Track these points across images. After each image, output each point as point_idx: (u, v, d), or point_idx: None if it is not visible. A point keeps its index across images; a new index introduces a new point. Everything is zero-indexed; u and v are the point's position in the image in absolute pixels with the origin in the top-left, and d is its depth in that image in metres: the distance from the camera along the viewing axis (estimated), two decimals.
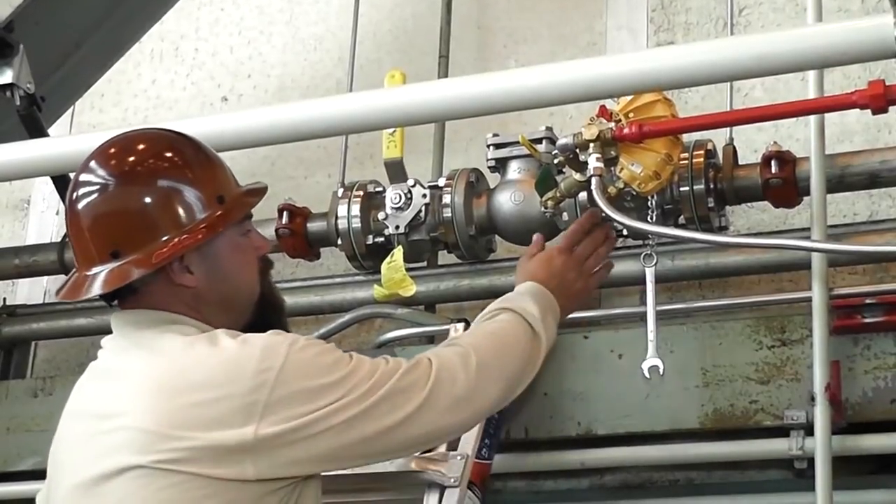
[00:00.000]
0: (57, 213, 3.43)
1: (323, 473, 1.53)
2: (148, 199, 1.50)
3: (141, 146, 1.56)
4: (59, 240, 3.11)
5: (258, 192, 1.62)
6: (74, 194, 1.53)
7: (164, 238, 1.49)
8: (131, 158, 1.54)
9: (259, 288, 1.59)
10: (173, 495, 1.38)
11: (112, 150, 1.55)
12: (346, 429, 1.44)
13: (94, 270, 1.50)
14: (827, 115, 2.27)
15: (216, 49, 3.47)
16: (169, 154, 1.55)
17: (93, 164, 1.54)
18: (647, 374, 2.05)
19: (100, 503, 1.42)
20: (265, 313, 1.60)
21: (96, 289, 1.49)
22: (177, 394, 1.41)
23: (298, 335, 1.50)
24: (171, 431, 1.39)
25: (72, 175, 2.89)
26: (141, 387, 1.44)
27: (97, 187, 1.51)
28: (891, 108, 1.96)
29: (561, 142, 2.11)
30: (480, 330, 1.70)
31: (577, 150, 2.08)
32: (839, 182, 2.36)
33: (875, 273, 2.51)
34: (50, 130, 2.96)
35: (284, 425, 1.41)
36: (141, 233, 1.49)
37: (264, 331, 1.51)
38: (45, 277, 3.29)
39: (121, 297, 1.54)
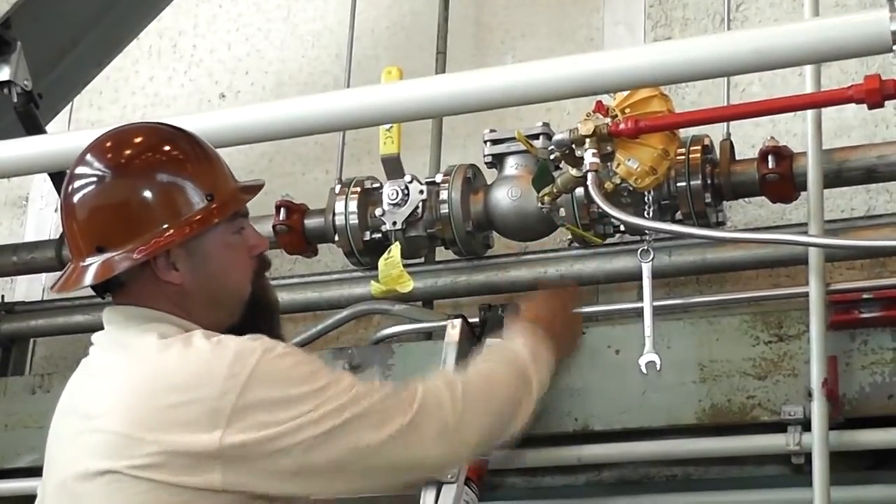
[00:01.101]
0: (55, 210, 3.42)
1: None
2: (138, 193, 1.48)
3: (136, 140, 1.54)
4: (57, 237, 3.10)
5: (252, 189, 1.59)
6: (70, 187, 1.52)
7: (152, 232, 1.47)
8: (126, 152, 1.52)
9: (249, 288, 1.56)
10: (146, 502, 1.36)
11: (107, 144, 1.54)
12: (317, 445, 1.38)
13: (84, 263, 1.50)
14: (824, 111, 2.27)
15: (214, 46, 3.47)
16: (164, 148, 1.53)
17: (88, 157, 1.53)
18: (644, 370, 2.05)
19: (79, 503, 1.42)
20: (257, 314, 1.56)
21: (84, 281, 1.49)
22: (149, 396, 1.39)
23: (279, 342, 1.45)
24: (143, 435, 1.37)
25: None
26: (117, 388, 1.42)
27: (90, 180, 1.51)
28: (889, 104, 1.97)
29: (557, 137, 2.12)
30: (471, 367, 1.64)
31: (574, 146, 2.09)
32: (836, 177, 2.35)
33: (872, 268, 2.51)
34: (48, 128, 2.96)
35: (251, 434, 1.36)
36: (129, 226, 1.47)
37: (252, 332, 1.48)
38: (44, 274, 3.29)
39: (112, 291, 1.54)
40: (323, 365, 1.46)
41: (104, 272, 1.48)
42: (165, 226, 1.47)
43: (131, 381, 1.42)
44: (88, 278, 1.49)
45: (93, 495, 1.39)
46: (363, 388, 1.44)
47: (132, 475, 1.37)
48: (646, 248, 2.09)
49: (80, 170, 1.53)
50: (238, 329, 1.52)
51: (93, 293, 1.57)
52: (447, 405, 1.49)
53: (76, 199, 1.51)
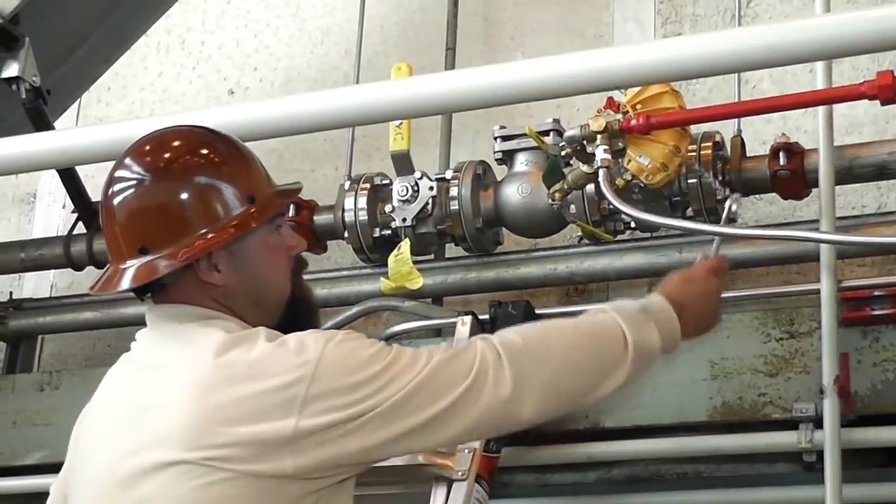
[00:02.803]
0: (63, 207, 3.42)
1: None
2: (179, 196, 1.50)
3: (175, 143, 1.56)
4: (65, 233, 3.10)
5: (290, 193, 1.61)
6: (109, 190, 1.54)
7: (193, 235, 1.48)
8: (166, 155, 1.53)
9: (289, 287, 1.57)
10: (212, 493, 1.38)
11: (147, 147, 1.56)
12: (384, 423, 1.42)
13: (125, 265, 1.51)
14: (835, 107, 2.26)
15: (222, 42, 3.47)
16: (203, 151, 1.54)
17: (128, 160, 1.55)
18: None
19: (136, 496, 1.42)
20: (297, 313, 1.58)
21: (125, 283, 1.50)
22: (219, 388, 1.41)
23: (338, 331, 1.49)
24: (213, 427, 1.39)
25: (77, 168, 2.94)
26: (183, 381, 1.43)
27: (130, 183, 1.52)
28: None
29: (568, 133, 2.11)
30: (548, 323, 1.60)
31: (585, 142, 2.08)
32: (847, 173, 2.34)
33: (884, 265, 2.50)
34: (56, 124, 2.96)
35: (324, 417, 1.40)
36: (170, 229, 1.49)
37: (295, 331, 1.50)
38: (52, 271, 3.29)
39: (153, 292, 1.55)
40: (381, 345, 1.48)
41: (148, 274, 1.49)
42: (207, 228, 1.49)
43: (199, 373, 1.43)
44: (132, 280, 1.50)
45: (153, 487, 1.40)
46: (423, 362, 1.46)
47: (201, 464, 1.38)
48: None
49: (120, 173, 1.54)
50: (281, 328, 1.53)
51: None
52: (506, 364, 1.47)
53: (116, 201, 1.52)
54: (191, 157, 1.53)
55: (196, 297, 1.51)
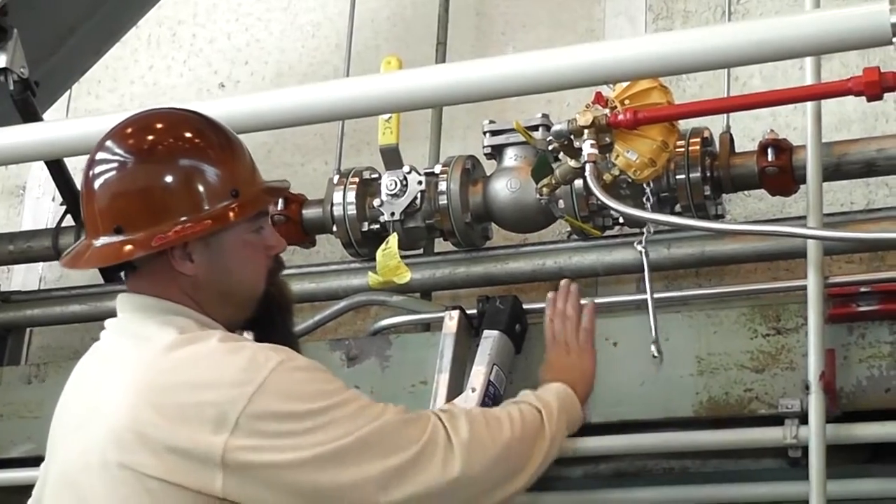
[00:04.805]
0: (52, 200, 3.41)
1: None
2: (160, 179, 1.47)
3: (160, 125, 1.52)
4: (54, 226, 3.09)
5: (276, 191, 1.59)
6: (91, 172, 1.51)
7: (171, 221, 1.45)
8: (150, 137, 1.50)
9: (263, 286, 1.54)
10: (146, 500, 1.35)
11: (130, 129, 1.52)
12: (321, 465, 1.35)
13: (98, 242, 1.48)
14: (825, 105, 2.26)
15: (214, 35, 3.46)
16: (189, 135, 1.51)
17: (110, 142, 1.52)
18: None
19: (78, 495, 1.40)
20: (272, 311, 1.55)
21: (91, 261, 1.48)
22: (160, 392, 1.38)
23: (300, 356, 1.43)
24: (150, 430, 1.36)
25: (66, 160, 2.93)
26: (128, 381, 1.41)
27: (113, 164, 1.49)
28: (889, 98, 1.96)
29: (556, 128, 2.11)
30: (486, 410, 1.63)
31: (572, 137, 2.08)
32: (836, 170, 2.35)
33: (871, 262, 2.50)
34: (45, 116, 2.95)
35: (255, 441, 1.33)
36: (149, 213, 1.46)
37: (266, 328, 1.49)
38: (41, 264, 3.28)
39: (125, 272, 1.53)
40: (340, 386, 1.42)
41: (118, 255, 1.46)
42: (186, 217, 1.46)
43: (144, 375, 1.40)
44: (97, 259, 1.47)
45: (96, 487, 1.38)
46: (375, 413, 1.41)
47: (136, 470, 1.35)
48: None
49: (101, 154, 1.51)
50: (251, 325, 1.52)
51: (89, 282, 1.56)
52: (456, 440, 1.45)
53: (98, 183, 1.49)
54: (175, 141, 1.50)
55: (165, 286, 1.49)
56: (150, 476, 1.35)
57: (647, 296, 2.03)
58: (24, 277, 3.36)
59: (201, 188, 1.48)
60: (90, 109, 3.48)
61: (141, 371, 1.41)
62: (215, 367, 1.39)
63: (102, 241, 1.47)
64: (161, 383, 1.39)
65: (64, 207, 3.04)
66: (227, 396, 1.35)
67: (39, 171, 3.42)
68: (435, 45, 2.95)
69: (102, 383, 1.45)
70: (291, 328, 1.62)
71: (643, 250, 2.08)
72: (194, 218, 1.46)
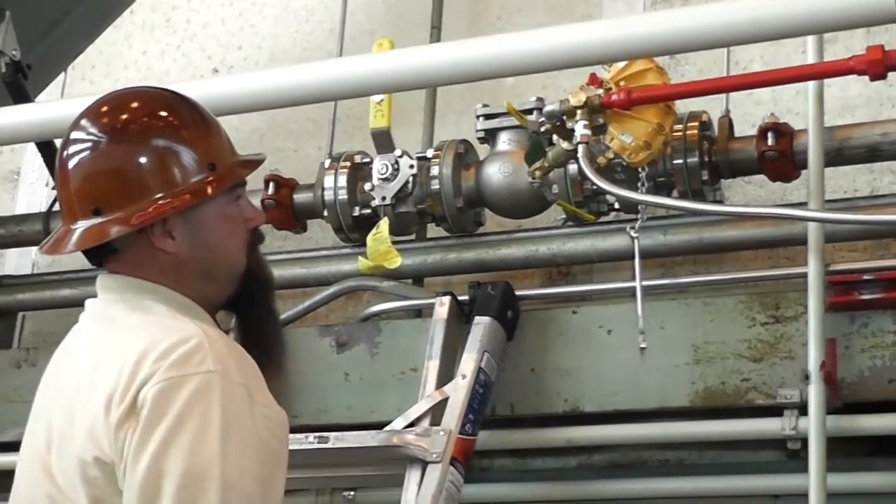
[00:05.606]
0: (47, 185, 3.38)
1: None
2: (135, 158, 1.45)
3: (134, 104, 1.51)
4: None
5: (252, 164, 1.55)
6: (65, 152, 1.49)
7: (148, 199, 1.43)
8: (123, 116, 1.48)
9: (244, 261, 1.52)
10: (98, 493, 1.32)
11: (104, 108, 1.50)
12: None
13: (76, 225, 1.46)
14: (828, 89, 2.21)
15: (207, 20, 3.42)
16: (163, 114, 1.49)
17: (84, 121, 1.50)
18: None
19: (51, 483, 1.38)
20: (252, 288, 1.53)
21: (73, 244, 1.45)
22: (115, 379, 1.35)
23: (265, 394, 1.36)
24: (99, 425, 1.34)
25: (58, 143, 2.90)
26: (89, 369, 1.39)
27: (86, 144, 1.47)
28: (894, 81, 1.90)
29: (548, 108, 2.06)
30: None
31: (564, 118, 2.03)
32: (838, 155, 2.29)
33: (875, 250, 2.44)
34: (38, 100, 2.92)
35: (118, 443, 1.31)
36: (126, 192, 1.44)
37: (246, 306, 1.46)
38: (33, 248, 3.25)
39: (104, 257, 1.50)
40: (218, 429, 1.30)
41: (98, 236, 1.44)
42: (163, 193, 1.44)
43: (103, 363, 1.37)
44: (81, 241, 1.45)
45: (62, 476, 1.36)
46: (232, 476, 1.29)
47: (102, 461, 1.33)
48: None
49: (75, 134, 1.49)
50: (234, 301, 1.50)
51: (81, 267, 1.52)
52: None
53: (72, 163, 1.47)
54: (149, 120, 1.48)
55: (145, 266, 1.46)
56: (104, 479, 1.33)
57: (636, 283, 1.97)
58: (17, 262, 3.34)
59: (177, 164, 1.46)
60: (84, 94, 3.43)
61: (101, 360, 1.38)
62: (164, 356, 1.35)
63: (81, 224, 1.45)
64: (115, 373, 1.35)
65: (55, 192, 3.00)
66: (133, 380, 1.32)
67: (34, 156, 3.38)
68: (429, 30, 2.91)
69: (70, 372, 1.43)
70: (272, 304, 1.58)
71: (635, 236, 2.03)
72: (172, 193, 1.44)
